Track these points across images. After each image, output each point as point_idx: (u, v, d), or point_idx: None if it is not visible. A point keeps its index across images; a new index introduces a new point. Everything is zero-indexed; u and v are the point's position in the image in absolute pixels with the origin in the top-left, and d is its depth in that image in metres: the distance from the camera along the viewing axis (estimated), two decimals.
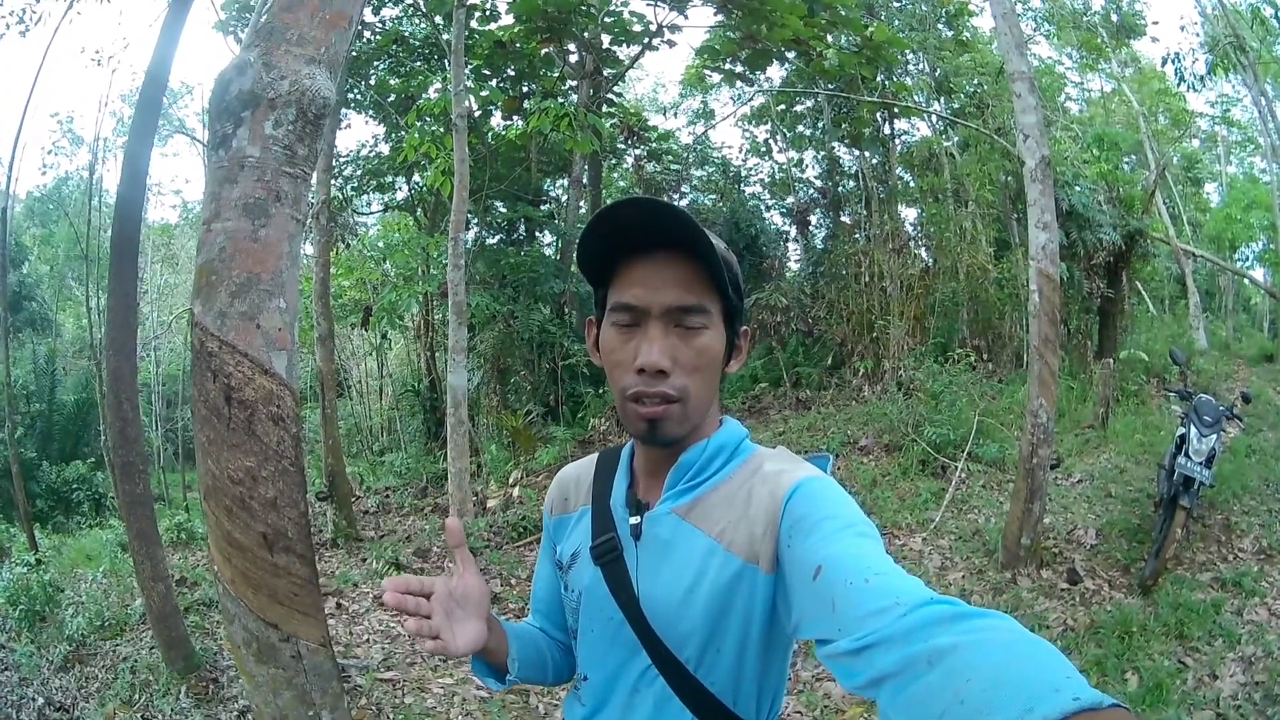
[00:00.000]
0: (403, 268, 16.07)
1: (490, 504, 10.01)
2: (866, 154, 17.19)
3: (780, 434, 11.84)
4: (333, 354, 11.20)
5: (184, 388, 24.23)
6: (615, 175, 21.04)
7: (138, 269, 6.03)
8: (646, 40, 14.84)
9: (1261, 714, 4.53)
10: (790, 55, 15.09)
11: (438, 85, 14.62)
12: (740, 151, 20.49)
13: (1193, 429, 6.49)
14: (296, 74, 2.05)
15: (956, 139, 16.19)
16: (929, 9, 16.19)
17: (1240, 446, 9.46)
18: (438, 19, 13.30)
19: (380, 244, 19.23)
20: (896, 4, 16.70)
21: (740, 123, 19.94)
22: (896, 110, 16.18)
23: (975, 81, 15.43)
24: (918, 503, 8.73)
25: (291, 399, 2.04)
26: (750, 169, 20.22)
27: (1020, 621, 0.89)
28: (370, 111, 16.42)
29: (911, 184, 17.06)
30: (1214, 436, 6.45)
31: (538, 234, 18.38)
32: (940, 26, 16.36)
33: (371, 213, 20.15)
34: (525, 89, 15.84)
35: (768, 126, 19.04)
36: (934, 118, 16.56)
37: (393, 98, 15.37)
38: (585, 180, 17.05)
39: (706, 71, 18.44)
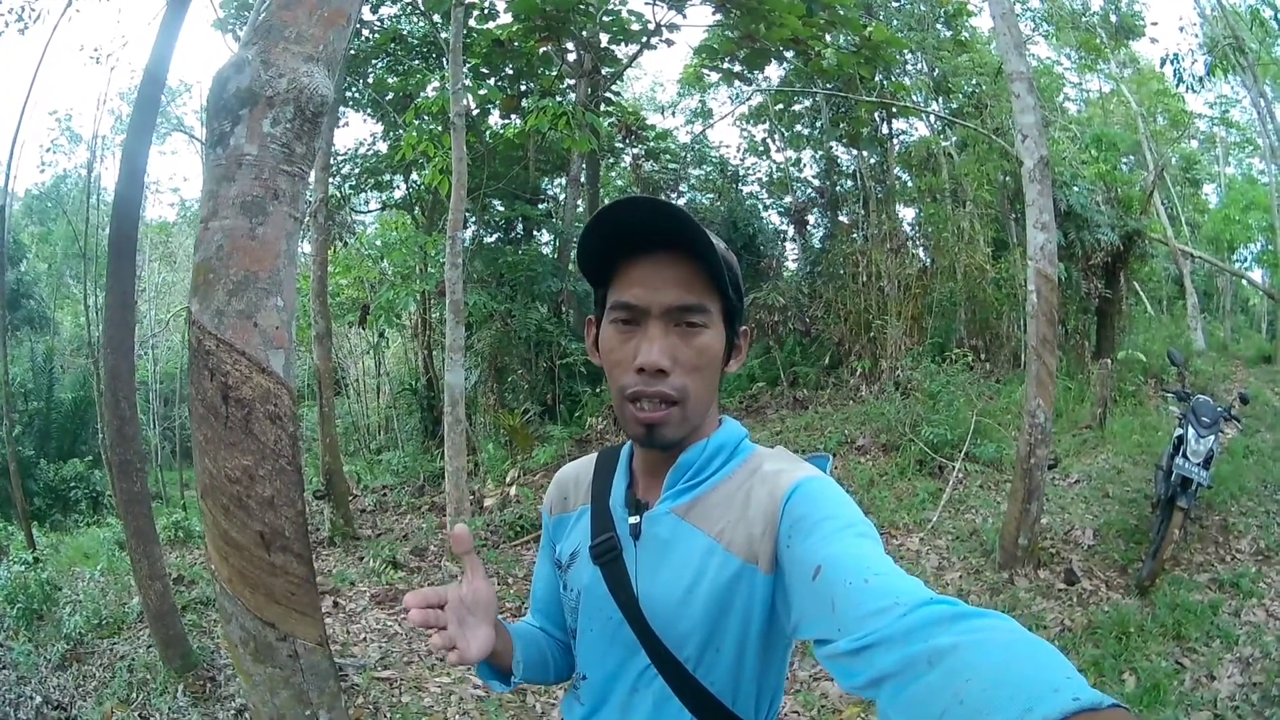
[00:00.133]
0: (400, 266, 16.07)
1: (487, 503, 10.01)
2: (864, 153, 17.19)
3: (777, 433, 11.84)
4: (330, 352, 11.19)
5: (181, 386, 24.21)
6: (613, 174, 21.03)
7: (135, 267, 6.03)
8: (645, 39, 14.84)
9: (1259, 715, 4.53)
10: (788, 55, 15.09)
11: (436, 84, 14.60)
12: (738, 151, 20.49)
13: (1190, 430, 6.50)
14: (295, 72, 2.05)
15: (954, 139, 16.20)
16: (927, 9, 16.20)
17: (1238, 447, 9.47)
18: (436, 17, 13.31)
19: (378, 242, 19.27)
20: (895, 4, 16.71)
21: (738, 122, 19.96)
22: (895, 110, 16.18)
23: (974, 81, 15.43)
24: (915, 503, 8.74)
25: (289, 397, 2.03)
26: (748, 168, 20.20)
27: (1018, 622, 0.89)
28: (368, 110, 16.42)
29: (909, 184, 17.05)
30: (1212, 437, 6.46)
31: (535, 233, 18.37)
32: (939, 26, 16.37)
33: (369, 211, 20.16)
34: (523, 88, 15.85)
35: (766, 126, 19.02)
36: (932, 118, 16.57)
37: (391, 96, 15.37)
38: (583, 179, 17.04)
39: (705, 71, 18.45)
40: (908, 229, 16.37)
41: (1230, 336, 25.29)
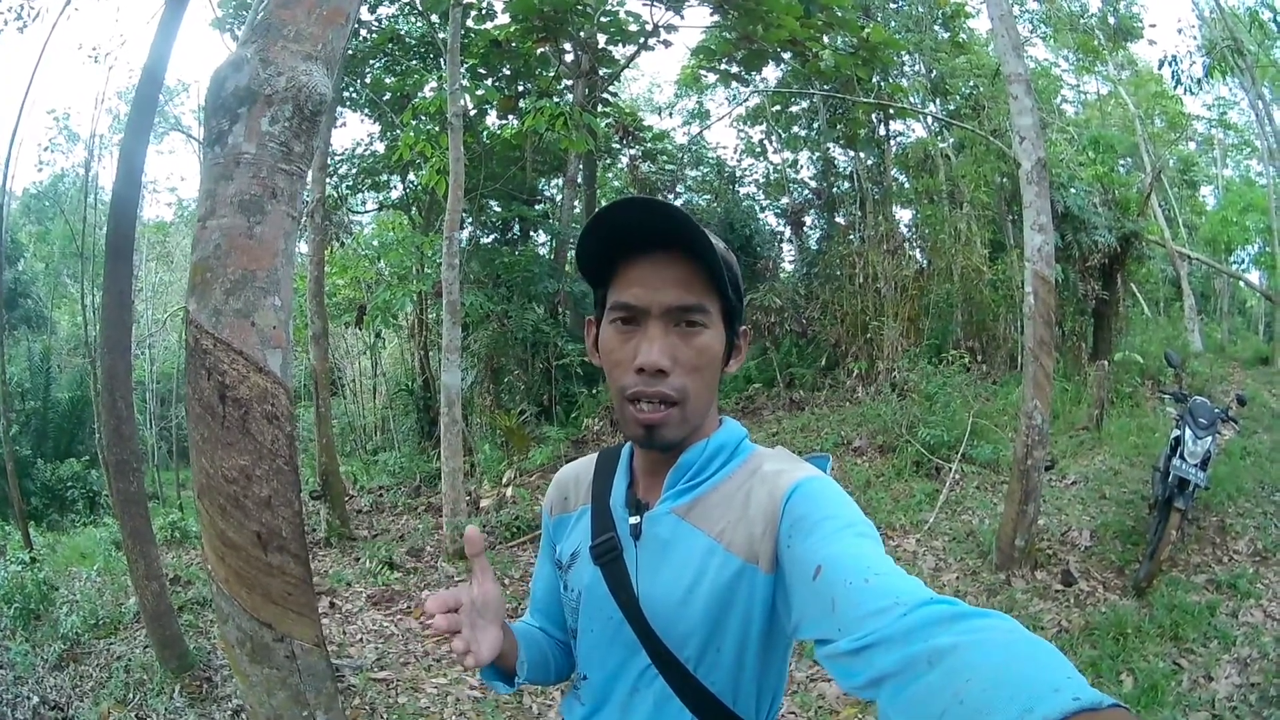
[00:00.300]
0: (397, 266, 16.06)
1: (483, 504, 10.00)
2: (862, 155, 17.20)
3: (774, 434, 11.84)
4: (327, 353, 11.19)
5: (178, 385, 24.12)
6: (610, 175, 21.04)
7: (133, 267, 6.02)
8: (642, 40, 14.85)
9: (1257, 715, 4.54)
10: (786, 56, 15.12)
11: (433, 84, 14.60)
12: (735, 152, 20.48)
13: (1188, 431, 6.50)
14: (293, 70, 2.05)
15: (952, 140, 16.18)
16: (925, 10, 16.20)
17: (1235, 449, 9.48)
18: (434, 18, 13.32)
19: (375, 243, 19.26)
20: (893, 5, 16.74)
21: (735, 123, 19.93)
22: (892, 111, 16.20)
23: (971, 83, 15.43)
24: (911, 504, 8.73)
25: (286, 397, 2.03)
26: (745, 169, 20.20)
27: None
28: (366, 110, 16.41)
29: (906, 185, 17.04)
30: (1209, 439, 6.46)
31: (532, 233, 18.39)
32: (937, 28, 16.36)
33: (366, 211, 20.16)
34: (521, 88, 15.84)
35: (763, 127, 19.02)
36: (929, 119, 16.57)
37: (388, 96, 15.35)
38: (580, 180, 17.07)
39: (702, 72, 18.49)
40: (905, 230, 16.37)
41: (1227, 338, 25.28)
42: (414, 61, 15.70)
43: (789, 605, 1.20)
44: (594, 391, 14.40)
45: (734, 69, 16.42)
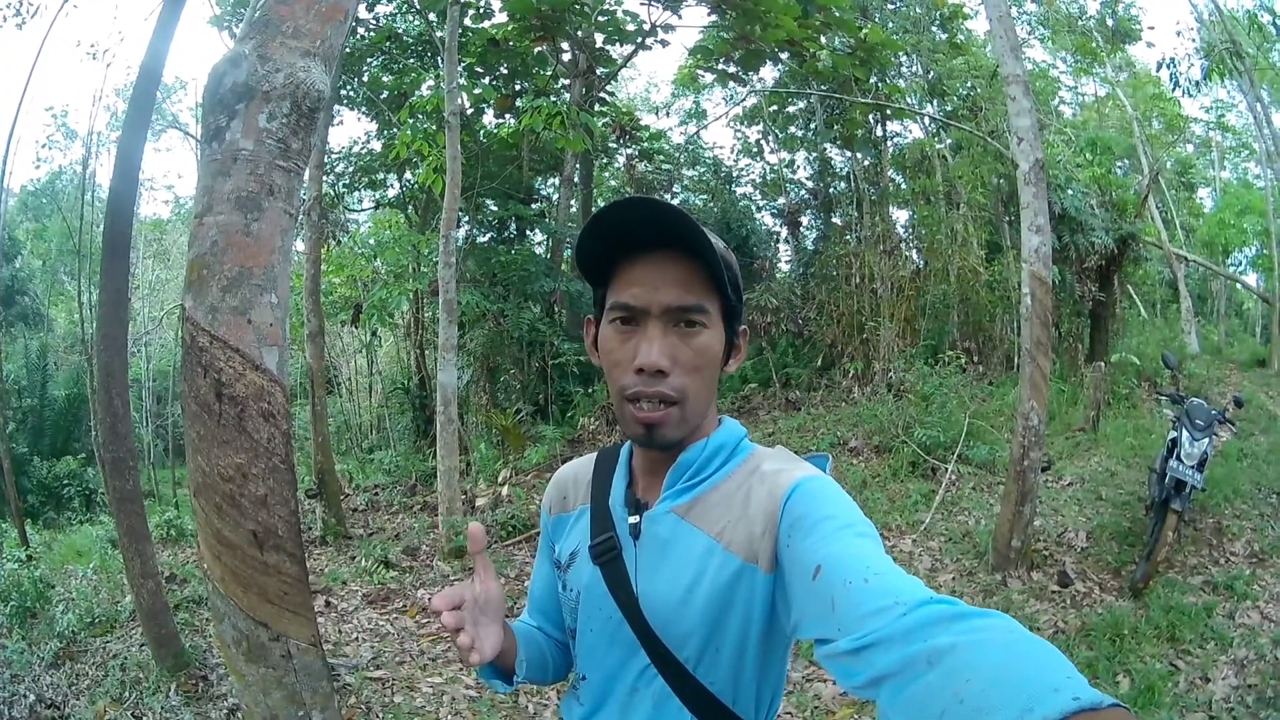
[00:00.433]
0: (393, 265, 16.09)
1: (479, 503, 9.99)
2: (858, 155, 17.20)
3: (770, 434, 11.85)
4: (323, 351, 11.19)
5: (175, 383, 24.12)
6: (606, 174, 21.07)
7: (129, 264, 6.00)
8: (640, 39, 14.84)
9: (1254, 717, 4.54)
10: (784, 56, 15.11)
11: (430, 82, 14.63)
12: (732, 152, 20.47)
13: (1185, 433, 6.50)
14: (292, 67, 2.04)
15: (949, 141, 16.21)
16: (923, 11, 16.22)
17: (1232, 451, 9.49)
18: (431, 16, 13.32)
19: (371, 241, 19.25)
20: (891, 6, 16.76)
21: (732, 123, 19.92)
22: (889, 112, 16.23)
23: (969, 84, 15.43)
24: (908, 504, 8.74)
25: (282, 395, 2.03)
26: (742, 169, 20.20)
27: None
28: (363, 108, 16.40)
29: (903, 186, 17.05)
30: (1206, 440, 6.47)
31: (528, 232, 18.36)
32: (934, 29, 16.38)
33: (363, 210, 20.14)
34: (518, 87, 15.83)
35: (760, 127, 19.01)
36: (927, 120, 16.58)
37: (385, 95, 15.35)
38: (577, 179, 17.05)
39: (699, 71, 18.44)
40: (901, 231, 16.42)
41: (1224, 340, 25.39)
42: (411, 60, 15.70)
43: (788, 605, 1.20)
44: (590, 390, 14.39)
45: (731, 69, 16.41)
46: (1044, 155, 7.31)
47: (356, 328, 17.33)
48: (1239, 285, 28.40)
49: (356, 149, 17.79)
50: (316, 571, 8.20)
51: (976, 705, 0.78)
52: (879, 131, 17.23)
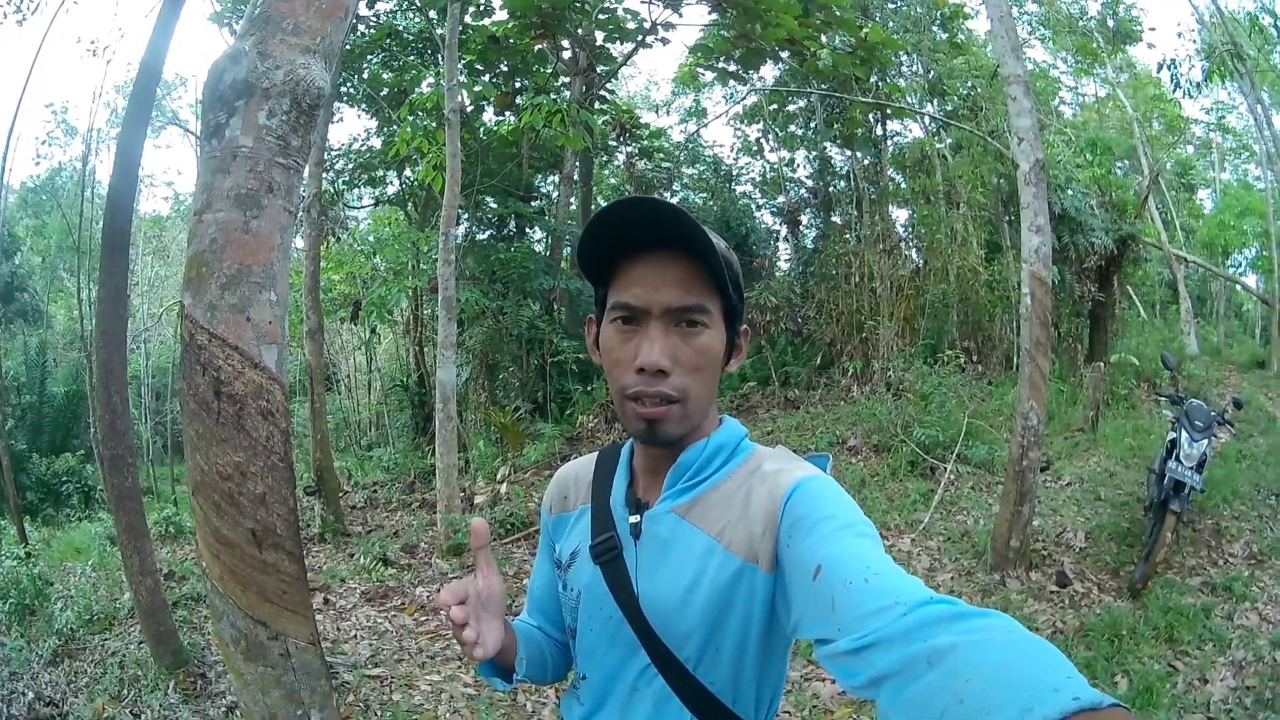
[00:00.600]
0: (392, 262, 16.08)
1: (478, 500, 9.99)
2: (858, 154, 17.21)
3: (769, 433, 11.86)
4: (322, 348, 11.19)
5: (173, 381, 24.11)
6: (606, 172, 21.09)
7: (129, 261, 5.99)
8: (640, 37, 14.84)
9: (1252, 718, 4.54)
10: (784, 55, 15.12)
11: (430, 80, 14.63)
12: (732, 150, 20.51)
13: (1184, 434, 6.50)
14: (291, 64, 2.04)
15: (949, 141, 16.22)
16: (924, 11, 16.23)
17: (1231, 452, 9.50)
18: (432, 13, 13.32)
19: (370, 238, 19.27)
20: (891, 5, 16.76)
21: (732, 121, 19.94)
22: (889, 111, 16.23)
23: (969, 84, 15.45)
24: (906, 504, 8.75)
25: (281, 393, 2.02)
26: (741, 168, 20.23)
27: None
28: (362, 105, 16.41)
29: (903, 185, 17.06)
30: (1205, 441, 6.46)
31: (528, 230, 18.37)
32: (935, 28, 16.39)
33: (362, 207, 20.17)
34: (518, 85, 15.82)
35: (760, 125, 19.01)
36: (927, 119, 16.59)
37: (385, 92, 15.35)
38: (576, 177, 17.08)
39: (700, 70, 18.46)
40: (901, 230, 16.45)
41: (1224, 341, 25.42)
42: (411, 57, 15.70)
43: (789, 605, 1.20)
44: (589, 388, 14.39)
45: (732, 67, 16.43)
46: (1044, 155, 7.31)
47: (355, 325, 17.31)
48: (1239, 287, 28.47)
49: (356, 146, 17.83)
50: (315, 569, 8.20)
51: (976, 705, 0.77)
52: (879, 131, 17.24)
